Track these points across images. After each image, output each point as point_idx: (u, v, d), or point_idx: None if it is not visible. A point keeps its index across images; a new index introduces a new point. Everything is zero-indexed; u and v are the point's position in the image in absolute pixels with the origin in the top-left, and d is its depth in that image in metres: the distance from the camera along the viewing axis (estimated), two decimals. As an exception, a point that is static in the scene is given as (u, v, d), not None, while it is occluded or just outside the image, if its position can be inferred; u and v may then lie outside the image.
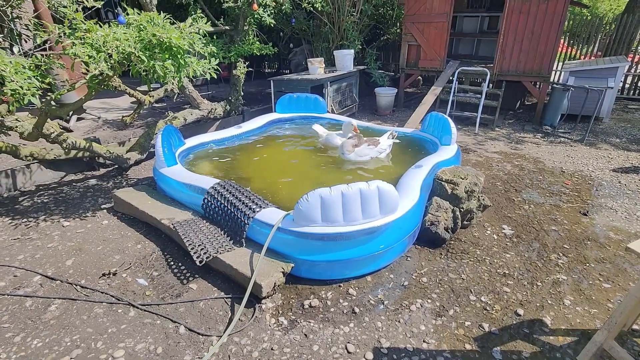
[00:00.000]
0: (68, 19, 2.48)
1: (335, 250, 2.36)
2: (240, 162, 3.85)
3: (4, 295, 2.36)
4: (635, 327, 2.08)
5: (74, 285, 2.45)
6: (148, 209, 3.04)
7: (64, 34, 2.48)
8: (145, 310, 2.23)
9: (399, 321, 2.14)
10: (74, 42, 2.41)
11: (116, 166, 4.45)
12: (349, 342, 1.99)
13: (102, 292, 2.39)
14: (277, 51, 6.32)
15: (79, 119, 5.72)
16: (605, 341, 1.79)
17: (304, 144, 4.27)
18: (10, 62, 2.29)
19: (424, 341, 2.00)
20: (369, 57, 6.93)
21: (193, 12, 5.61)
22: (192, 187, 3.00)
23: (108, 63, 2.49)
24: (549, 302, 2.29)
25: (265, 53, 5.72)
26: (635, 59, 8.28)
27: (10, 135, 2.93)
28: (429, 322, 2.13)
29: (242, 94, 5.50)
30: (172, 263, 2.68)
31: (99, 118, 6.31)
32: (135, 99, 4.05)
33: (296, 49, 8.80)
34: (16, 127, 2.95)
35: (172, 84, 3.55)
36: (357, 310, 2.22)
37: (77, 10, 2.47)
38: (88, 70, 2.65)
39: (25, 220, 3.26)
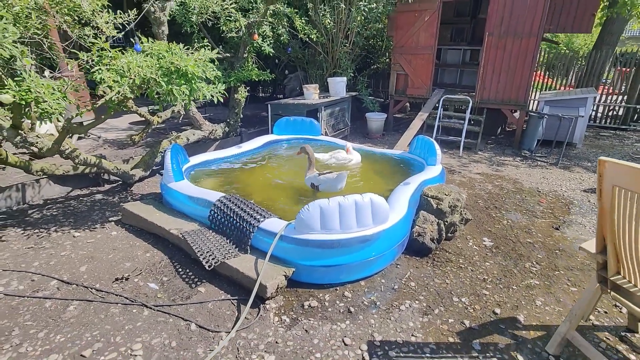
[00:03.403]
0: (96, 48, 2.79)
1: (333, 257, 2.61)
2: (240, 178, 4.12)
3: (24, 297, 2.53)
4: (597, 323, 2.36)
5: (89, 289, 2.64)
6: (157, 220, 3.26)
7: (92, 60, 2.78)
8: (158, 310, 2.43)
9: (390, 319, 2.38)
10: (101, 69, 2.71)
11: (120, 182, 4.66)
12: (345, 336, 2.22)
13: (116, 295, 2.58)
14: (274, 77, 6.72)
15: (79, 138, 5.96)
16: (568, 331, 2.07)
17: (299, 163, 4.56)
18: (43, 84, 2.57)
19: (412, 335, 2.24)
20: (361, 84, 7.41)
21: (196, 40, 6.03)
22: (199, 200, 3.25)
23: (130, 87, 2.79)
24: (523, 302, 2.56)
25: (263, 79, 6.14)
26: (605, 90, 8.97)
27: (33, 150, 3.15)
28: (417, 320, 2.38)
29: (242, 116, 5.84)
30: (180, 269, 2.88)
31: (99, 137, 6.55)
32: (143, 119, 4.33)
33: (291, 75, 9.29)
34: (36, 142, 3.18)
35: (181, 105, 3.85)
36: (352, 309, 2.46)
37: (105, 40, 2.79)
38: (103, 93, 2.95)
39: (37, 230, 3.44)
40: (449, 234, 3.35)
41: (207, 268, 2.62)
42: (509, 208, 4.13)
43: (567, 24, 6.08)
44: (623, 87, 9.11)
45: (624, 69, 8.99)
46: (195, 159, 4.21)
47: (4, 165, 4.67)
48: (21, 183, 3.99)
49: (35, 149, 3.13)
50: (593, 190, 4.67)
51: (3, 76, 2.42)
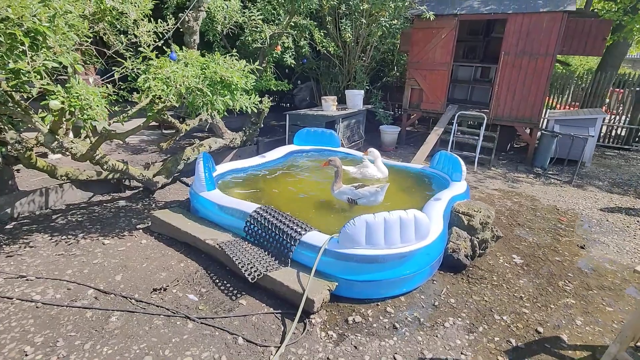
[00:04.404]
0: (143, 57, 2.80)
1: (376, 272, 2.62)
2: (267, 188, 4.12)
3: (62, 306, 2.48)
4: (639, 344, 2.39)
5: (129, 299, 2.60)
6: (190, 230, 3.23)
7: (138, 69, 2.79)
8: (202, 323, 2.40)
9: (436, 336, 2.39)
10: (148, 77, 2.71)
11: (141, 189, 4.63)
12: (396, 353, 2.22)
13: (157, 306, 2.55)
14: (291, 88, 6.78)
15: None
16: (619, 352, 2.10)
17: (323, 175, 4.58)
18: (92, 91, 2.57)
19: (461, 353, 2.25)
20: (374, 98, 7.49)
21: (217, 49, 6.07)
22: (234, 210, 3.24)
23: (175, 96, 2.80)
24: (563, 322, 2.59)
25: (280, 89, 6.19)
26: (608, 112, 9.18)
27: (68, 155, 3.13)
28: (463, 337, 2.39)
29: (262, 125, 5.86)
30: (217, 281, 2.86)
31: (111, 141, 6.50)
32: (155, 124, 4.33)
33: (302, 85, 9.36)
34: (71, 148, 3.16)
35: (209, 114, 3.85)
36: (397, 325, 2.46)
37: (152, 51, 2.80)
38: (137, 100, 2.96)
39: (64, 237, 3.39)
40: (480, 251, 3.38)
41: (250, 280, 2.60)
42: (531, 225, 4.18)
43: (580, 47, 6.25)
44: (620, 107, 9.32)
45: (617, 89, 9.20)
46: (222, 168, 4.20)
47: (18, 168, 4.63)
48: (44, 187, 3.94)
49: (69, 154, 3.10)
50: (610, 210, 4.76)
51: (50, 83, 2.40)
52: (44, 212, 3.88)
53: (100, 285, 2.73)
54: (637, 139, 8.94)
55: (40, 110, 3.05)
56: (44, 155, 4.92)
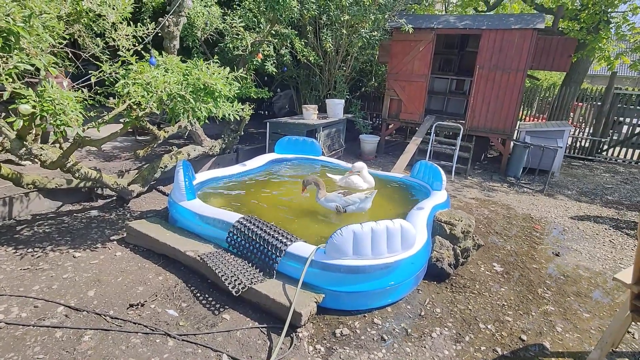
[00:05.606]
0: (122, 61, 2.69)
1: (363, 282, 2.59)
2: (248, 197, 4.03)
3: (29, 326, 2.30)
4: (616, 349, 2.48)
5: (103, 316, 2.44)
6: (169, 241, 3.10)
7: (117, 73, 2.67)
8: (183, 340, 2.28)
9: (424, 347, 2.38)
10: (127, 82, 2.60)
11: (115, 197, 4.41)
12: (385, 366, 2.19)
13: (134, 323, 2.40)
14: (271, 95, 6.74)
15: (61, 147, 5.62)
16: (600, 358, 2.16)
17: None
18: (67, 96, 2.43)
19: (450, 364, 2.25)
20: (354, 107, 7.56)
21: (196, 55, 5.96)
22: (215, 221, 3.13)
23: (156, 103, 2.69)
24: (545, 329, 2.65)
25: (261, 97, 6.13)
26: (573, 124, 9.71)
27: (37, 162, 2.94)
28: (451, 348, 2.39)
29: (242, 133, 5.76)
30: (198, 294, 2.74)
31: (82, 147, 6.19)
32: (128, 130, 4.16)
33: (281, 93, 9.34)
34: (40, 155, 2.97)
35: (188, 121, 3.74)
36: (385, 337, 2.43)
37: (132, 55, 2.69)
38: (114, 105, 2.83)
39: (30, 250, 3.16)
40: (463, 259, 3.43)
41: (234, 294, 2.51)
42: (508, 234, 4.31)
43: (548, 63, 6.59)
44: (581, 119, 9.88)
45: (579, 103, 9.77)
46: (202, 176, 4.08)
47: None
48: (8, 196, 3.68)
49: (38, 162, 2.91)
50: (579, 218, 4.98)
51: (22, 86, 2.26)
52: (7, 223, 3.61)
53: (71, 301, 2.55)
54: (599, 150, 9.49)
55: (4, 114, 2.86)
56: (8, 161, 4.62)
